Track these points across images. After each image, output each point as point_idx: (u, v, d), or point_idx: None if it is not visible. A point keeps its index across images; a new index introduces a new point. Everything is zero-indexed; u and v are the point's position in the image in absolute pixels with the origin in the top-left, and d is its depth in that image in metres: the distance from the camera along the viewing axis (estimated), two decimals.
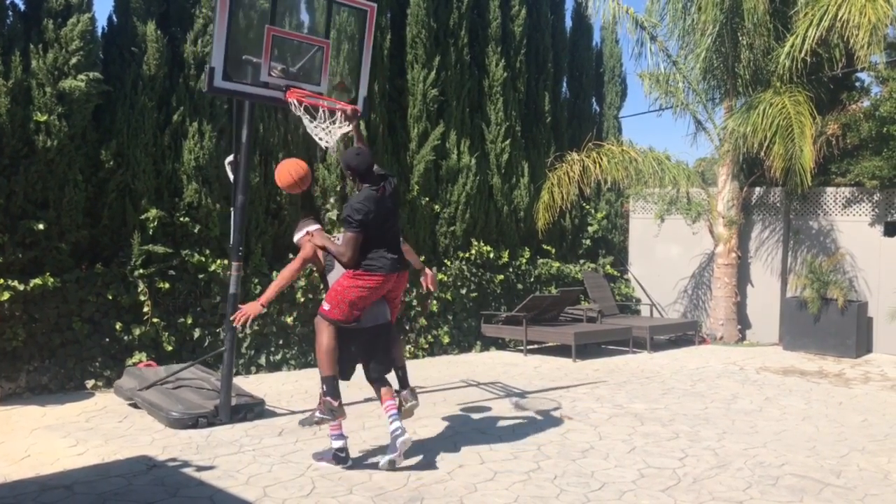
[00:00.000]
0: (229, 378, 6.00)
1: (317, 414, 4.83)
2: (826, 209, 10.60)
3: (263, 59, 5.73)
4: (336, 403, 4.78)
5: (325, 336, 4.84)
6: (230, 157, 6.14)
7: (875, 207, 10.14)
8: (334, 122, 5.59)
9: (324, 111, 5.66)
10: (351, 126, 5.48)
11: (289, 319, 8.37)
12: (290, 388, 7.40)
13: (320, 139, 5.63)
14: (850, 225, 10.36)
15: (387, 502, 4.32)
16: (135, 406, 6.41)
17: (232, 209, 6.02)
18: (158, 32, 7.57)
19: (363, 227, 4.76)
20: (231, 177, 6.13)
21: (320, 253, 5.27)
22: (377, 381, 5.08)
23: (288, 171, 5.37)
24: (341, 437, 5.03)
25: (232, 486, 4.55)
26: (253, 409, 6.17)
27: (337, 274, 5.23)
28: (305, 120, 5.66)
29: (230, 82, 5.66)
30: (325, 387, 4.81)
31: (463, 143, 10.04)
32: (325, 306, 4.87)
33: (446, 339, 9.71)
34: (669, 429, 6.02)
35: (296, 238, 5.41)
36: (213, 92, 5.69)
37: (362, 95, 6.48)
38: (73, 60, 6.94)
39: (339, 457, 4.99)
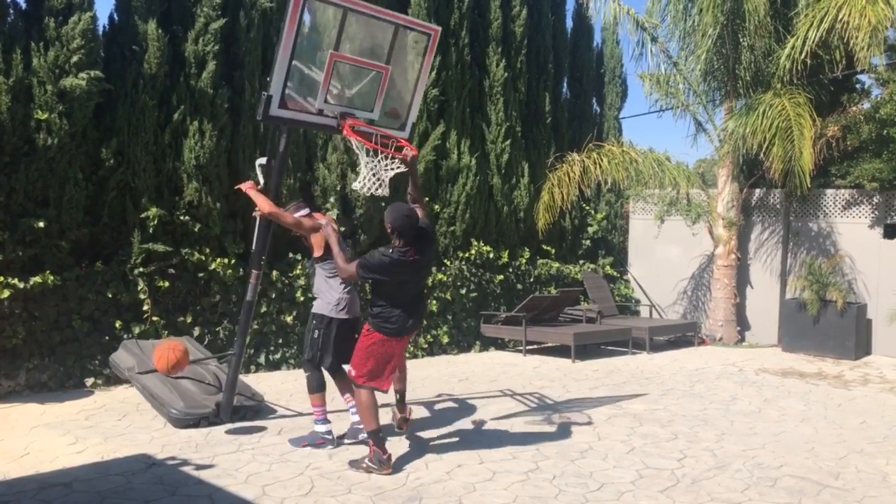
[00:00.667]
0: (234, 382, 5.96)
1: (366, 462, 4.80)
2: (826, 211, 10.61)
3: (322, 86, 5.39)
4: (385, 456, 4.76)
5: (362, 394, 4.85)
6: (262, 160, 5.79)
7: (875, 209, 10.15)
8: (385, 161, 5.36)
9: (372, 148, 5.37)
10: (408, 169, 5.32)
11: (288, 319, 8.37)
12: (289, 387, 7.40)
13: (375, 187, 5.39)
14: (850, 227, 10.37)
15: (386, 501, 4.32)
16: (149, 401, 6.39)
17: (258, 215, 5.62)
18: (159, 31, 7.57)
19: (368, 280, 4.81)
20: (261, 181, 5.74)
21: (312, 240, 5.36)
22: (337, 372, 5.46)
23: (162, 357, 5.50)
24: (326, 421, 5.34)
25: (231, 484, 4.55)
26: (252, 409, 6.17)
27: (320, 272, 5.40)
28: (363, 162, 5.37)
29: (286, 110, 5.35)
30: (371, 440, 4.81)
31: (463, 143, 10.04)
32: (352, 372, 4.89)
33: (445, 339, 9.71)
34: (668, 430, 6.02)
35: (295, 215, 5.48)
36: (269, 121, 5.36)
37: (411, 121, 6.14)
38: (75, 59, 6.94)
39: (327, 439, 5.26)
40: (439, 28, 6.06)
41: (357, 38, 5.64)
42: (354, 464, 4.85)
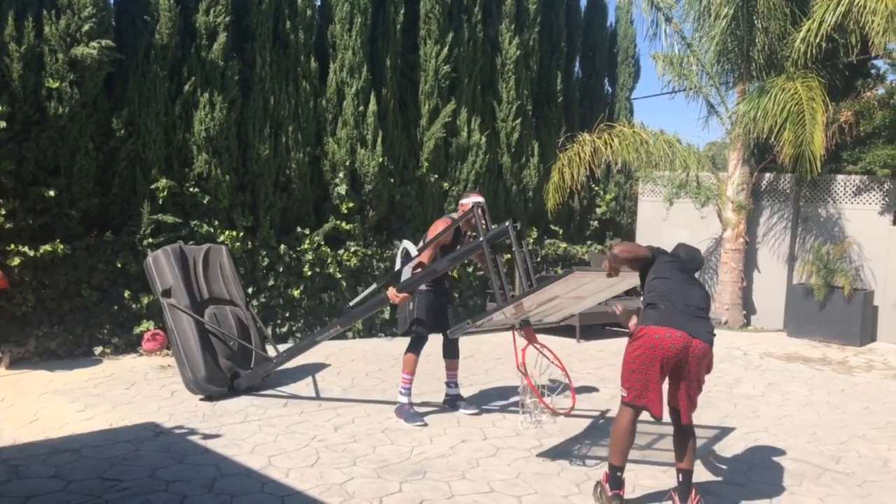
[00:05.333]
0: (256, 376, 6.11)
1: (599, 489, 4.05)
2: (835, 197, 10.55)
3: (517, 309, 5.02)
4: (610, 494, 3.90)
5: (622, 416, 4.00)
6: (408, 245, 5.49)
7: (885, 196, 10.09)
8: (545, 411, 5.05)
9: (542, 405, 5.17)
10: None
11: (295, 292, 8.42)
12: (295, 360, 7.44)
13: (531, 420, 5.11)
14: (860, 213, 10.32)
15: (390, 474, 4.37)
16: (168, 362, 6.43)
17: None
18: (171, 1, 7.54)
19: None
20: (399, 264, 5.59)
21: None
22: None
23: None
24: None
25: (237, 454, 4.61)
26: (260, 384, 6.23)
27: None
28: (528, 400, 5.06)
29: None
30: (608, 471, 3.98)
31: (474, 120, 10.01)
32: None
33: None
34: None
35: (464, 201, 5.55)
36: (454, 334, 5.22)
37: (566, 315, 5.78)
38: (86, 27, 6.92)
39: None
40: None
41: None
42: (597, 485, 4.11)
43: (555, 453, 4.85)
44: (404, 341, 8.76)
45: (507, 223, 4.88)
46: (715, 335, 3.94)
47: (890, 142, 9.82)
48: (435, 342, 5.81)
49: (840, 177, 10.54)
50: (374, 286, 5.81)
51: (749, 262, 11.10)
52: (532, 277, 4.87)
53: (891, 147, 9.75)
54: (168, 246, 6.43)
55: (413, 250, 5.39)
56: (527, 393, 4.84)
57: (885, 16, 8.29)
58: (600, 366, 7.81)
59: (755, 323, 11.06)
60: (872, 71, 11.19)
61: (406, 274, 5.48)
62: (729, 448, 5.13)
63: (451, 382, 5.90)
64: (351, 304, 6.20)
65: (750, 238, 11.06)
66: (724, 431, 5.52)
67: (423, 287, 5.43)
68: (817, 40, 9.11)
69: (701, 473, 4.59)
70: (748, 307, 11.12)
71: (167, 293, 6.08)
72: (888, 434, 5.65)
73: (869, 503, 4.27)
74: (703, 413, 5.98)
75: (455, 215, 5.71)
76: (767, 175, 11.13)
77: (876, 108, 10.16)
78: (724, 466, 4.75)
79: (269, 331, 8.18)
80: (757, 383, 7.23)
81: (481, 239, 4.95)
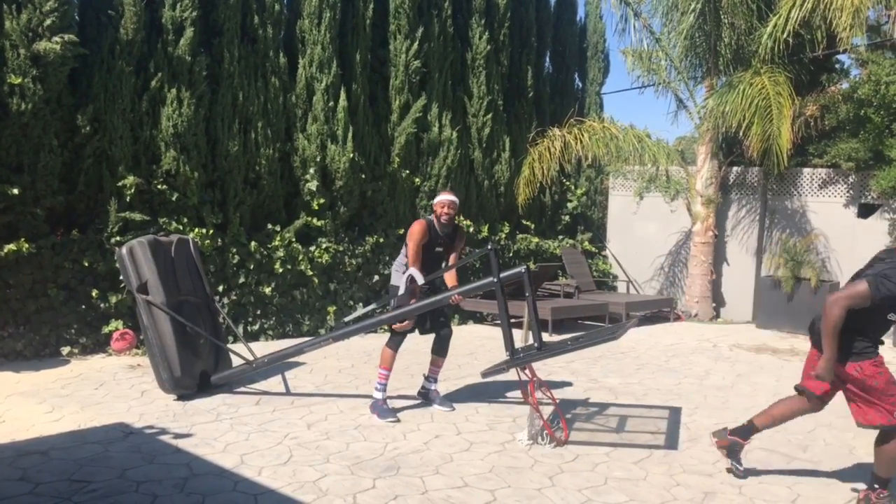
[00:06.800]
0: (231, 377, 6.09)
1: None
2: (802, 190, 10.72)
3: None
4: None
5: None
6: (414, 273, 5.40)
7: (850, 189, 10.27)
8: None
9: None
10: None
11: (267, 290, 8.35)
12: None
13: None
14: (825, 206, 10.49)
15: (364, 471, 4.36)
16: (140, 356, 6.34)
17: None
18: None
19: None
20: (402, 289, 5.50)
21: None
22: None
23: None
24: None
25: (209, 453, 4.57)
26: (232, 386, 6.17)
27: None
28: (538, 420, 4.97)
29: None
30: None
31: (445, 115, 10.00)
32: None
33: None
34: (643, 403, 6.11)
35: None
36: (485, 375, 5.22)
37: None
38: (48, 22, 6.79)
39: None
40: None
41: None
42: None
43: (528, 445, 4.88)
44: (377, 338, 8.77)
45: (521, 268, 5.08)
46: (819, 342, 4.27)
47: (854, 135, 9.98)
48: (411, 338, 5.78)
49: (806, 170, 10.71)
50: (372, 306, 6.06)
51: (718, 256, 11.24)
52: (539, 328, 5.05)
53: (855, 141, 9.90)
54: (143, 237, 6.16)
55: (420, 280, 5.39)
56: (534, 421, 4.95)
57: (851, 12, 8.43)
58: (572, 359, 7.86)
59: (724, 315, 11.20)
60: (837, 66, 11.37)
61: (395, 281, 5.64)
62: (699, 439, 5.18)
63: (432, 378, 5.90)
64: (346, 319, 6.42)
65: (719, 231, 11.20)
66: (694, 422, 5.59)
67: (418, 283, 5.44)
68: (784, 36, 9.23)
69: (666, 465, 4.64)
70: (718, 300, 11.26)
71: (143, 288, 5.85)
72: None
73: (835, 490, 4.35)
74: (674, 404, 6.06)
75: (431, 216, 5.72)
76: (735, 169, 11.27)
77: (840, 102, 10.32)
78: (693, 457, 4.80)
79: (240, 329, 8.12)
80: (726, 374, 7.33)
81: (494, 279, 5.10)
